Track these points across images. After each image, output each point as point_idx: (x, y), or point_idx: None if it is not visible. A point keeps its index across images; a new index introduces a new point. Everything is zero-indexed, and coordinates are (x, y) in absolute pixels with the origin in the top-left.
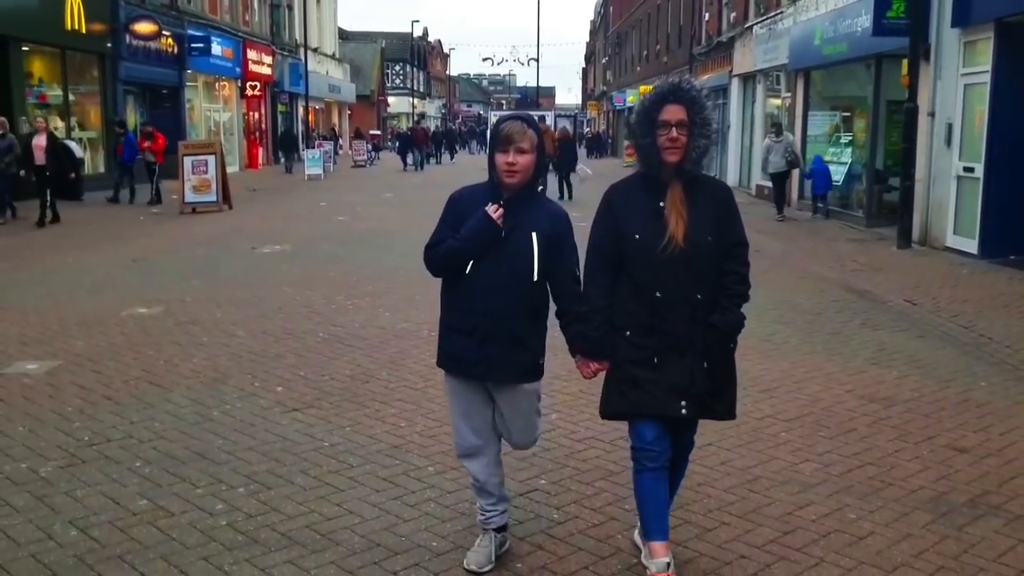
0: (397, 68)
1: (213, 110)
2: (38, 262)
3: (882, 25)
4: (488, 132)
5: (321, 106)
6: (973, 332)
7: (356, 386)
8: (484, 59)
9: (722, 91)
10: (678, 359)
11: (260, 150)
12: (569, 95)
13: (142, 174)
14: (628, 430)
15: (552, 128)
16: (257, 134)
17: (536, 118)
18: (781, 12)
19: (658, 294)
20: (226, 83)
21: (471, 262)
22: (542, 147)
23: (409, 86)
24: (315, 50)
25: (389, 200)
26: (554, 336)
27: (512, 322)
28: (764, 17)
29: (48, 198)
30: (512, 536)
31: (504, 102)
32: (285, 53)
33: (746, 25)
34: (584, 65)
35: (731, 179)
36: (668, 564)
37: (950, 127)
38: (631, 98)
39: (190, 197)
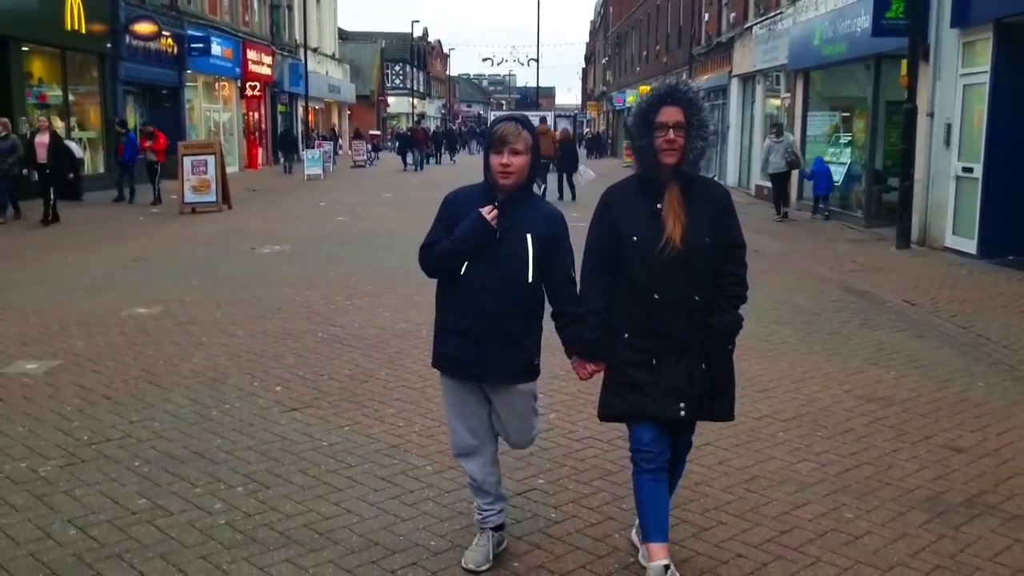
0: (397, 68)
1: (213, 110)
2: (38, 262)
3: (881, 25)
4: None
5: (321, 106)
6: (971, 332)
7: (355, 386)
8: (484, 59)
9: (721, 91)
10: (676, 361)
11: (260, 150)
12: (569, 95)
13: (141, 174)
14: (627, 431)
15: (553, 129)
16: (257, 134)
17: (537, 119)
18: (781, 12)
19: (656, 296)
20: (226, 83)
21: (466, 263)
22: (537, 148)
23: (409, 86)
24: (315, 50)
25: (389, 200)
26: (552, 336)
27: (507, 323)
28: (764, 17)
29: (52, 196)
30: (510, 535)
31: (504, 102)
32: (285, 53)
33: (746, 25)
34: (584, 65)
35: (731, 179)
36: (666, 567)
37: (949, 127)
38: (631, 98)
39: (190, 197)
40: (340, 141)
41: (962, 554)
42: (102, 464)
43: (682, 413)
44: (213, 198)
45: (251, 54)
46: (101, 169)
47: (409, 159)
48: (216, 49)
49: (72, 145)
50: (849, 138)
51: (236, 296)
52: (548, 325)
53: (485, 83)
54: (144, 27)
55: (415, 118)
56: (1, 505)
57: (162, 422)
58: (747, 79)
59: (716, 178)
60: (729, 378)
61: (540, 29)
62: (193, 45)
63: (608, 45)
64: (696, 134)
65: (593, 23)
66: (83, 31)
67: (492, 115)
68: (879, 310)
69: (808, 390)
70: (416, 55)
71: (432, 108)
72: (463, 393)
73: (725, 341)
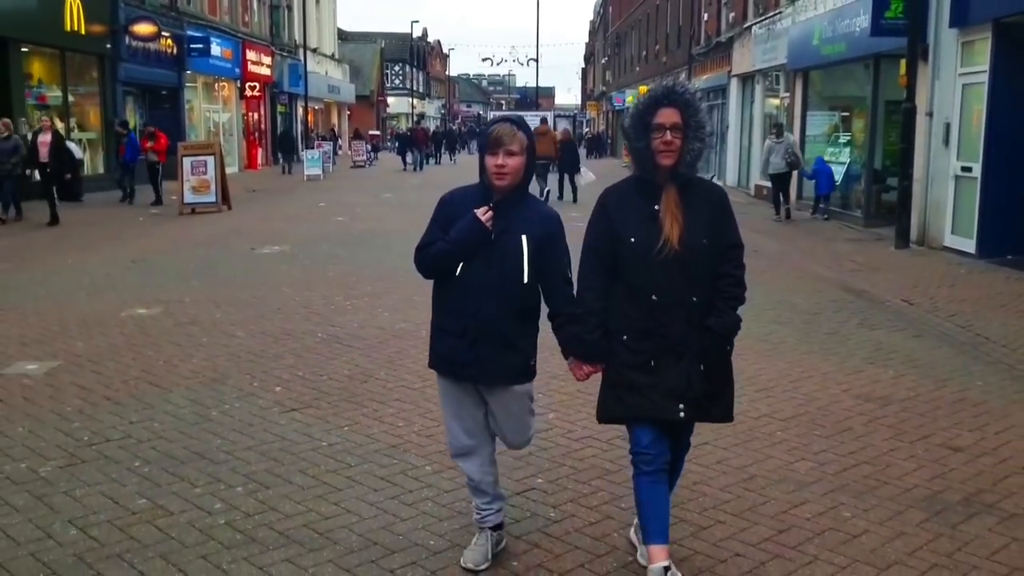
0: (396, 68)
1: (212, 111)
2: (38, 263)
3: (880, 25)
4: None
5: (320, 107)
6: (970, 332)
7: (354, 386)
8: (483, 59)
9: (721, 91)
10: (675, 362)
11: (259, 151)
12: (568, 95)
13: (141, 175)
14: (626, 432)
15: (553, 129)
16: (256, 135)
17: (538, 119)
18: (780, 12)
19: (654, 297)
20: (225, 84)
21: (461, 264)
22: (532, 149)
23: (408, 86)
24: (314, 51)
25: (388, 200)
26: (551, 336)
27: (502, 324)
28: (763, 17)
29: (55, 196)
30: (509, 534)
31: (503, 102)
32: (284, 54)
33: (745, 25)
34: (583, 65)
35: (730, 179)
36: (666, 568)
37: (948, 127)
38: (630, 98)
39: (189, 198)
40: (340, 141)
41: (959, 552)
42: (102, 464)
43: (681, 415)
44: (213, 199)
45: (250, 54)
46: (101, 170)
47: (409, 159)
48: (215, 49)
49: (72, 146)
50: (848, 138)
51: (236, 296)
52: (546, 326)
53: (485, 83)
54: (144, 28)
55: (415, 118)
56: (2, 505)
57: (162, 422)
58: (746, 79)
59: (716, 178)
60: (728, 379)
61: (540, 29)
62: (192, 46)
63: (608, 45)
64: (693, 135)
65: (592, 23)
66: (83, 32)
67: (492, 115)
68: (878, 310)
69: (806, 389)
70: (416, 55)
71: (432, 108)
72: (459, 394)
73: (723, 342)
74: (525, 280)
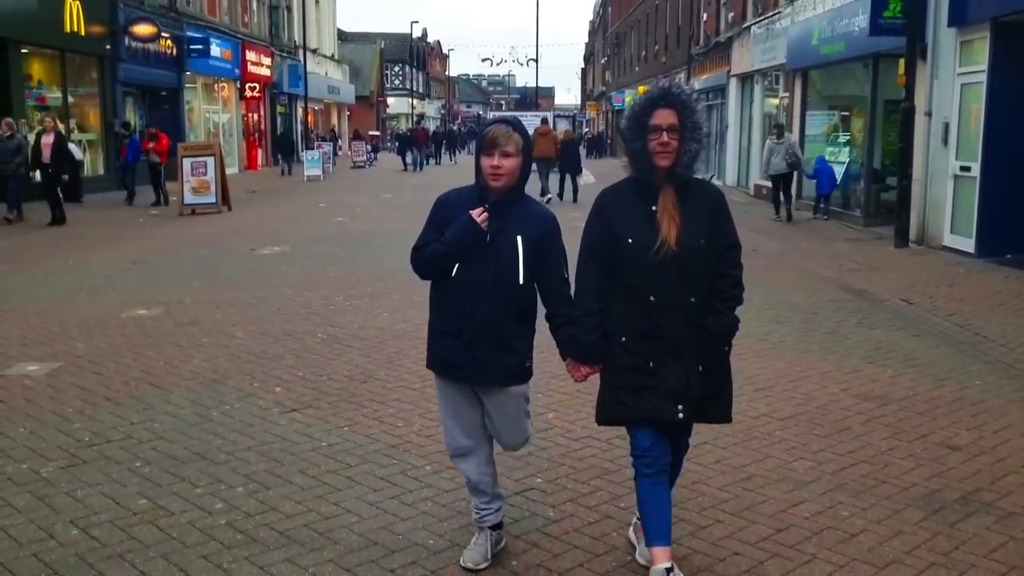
0: (396, 69)
1: (212, 112)
2: (39, 264)
3: (879, 25)
4: None
5: (320, 107)
6: (969, 331)
7: (354, 386)
8: (483, 60)
9: (720, 91)
10: (673, 363)
11: (259, 151)
12: (568, 95)
13: (141, 176)
14: (626, 432)
15: (554, 129)
16: (256, 135)
17: (538, 119)
18: (779, 12)
19: (652, 298)
20: (225, 84)
21: (457, 265)
22: (528, 150)
23: (408, 87)
24: (314, 51)
25: (388, 201)
26: (550, 336)
27: (498, 325)
28: (762, 17)
29: (60, 197)
30: (508, 534)
31: (503, 103)
32: (284, 54)
33: (744, 25)
34: (583, 66)
35: (729, 179)
36: (668, 569)
37: (947, 126)
38: (629, 98)
39: (189, 199)
40: (340, 142)
41: (957, 551)
42: (103, 465)
43: (680, 415)
44: (213, 199)
45: (250, 55)
46: (101, 171)
47: (409, 159)
48: (215, 50)
49: (72, 147)
50: (847, 137)
51: (236, 297)
52: (544, 326)
53: (484, 83)
54: (143, 28)
55: (415, 119)
56: (3, 506)
57: (163, 423)
58: (745, 79)
59: (715, 178)
60: (726, 380)
61: (539, 29)
62: (192, 46)
63: (607, 45)
64: (690, 136)
65: (592, 23)
66: (82, 33)
67: (491, 115)
68: (877, 309)
69: (805, 389)
70: (415, 56)
71: (432, 109)
72: (456, 395)
73: (721, 343)
74: (521, 281)
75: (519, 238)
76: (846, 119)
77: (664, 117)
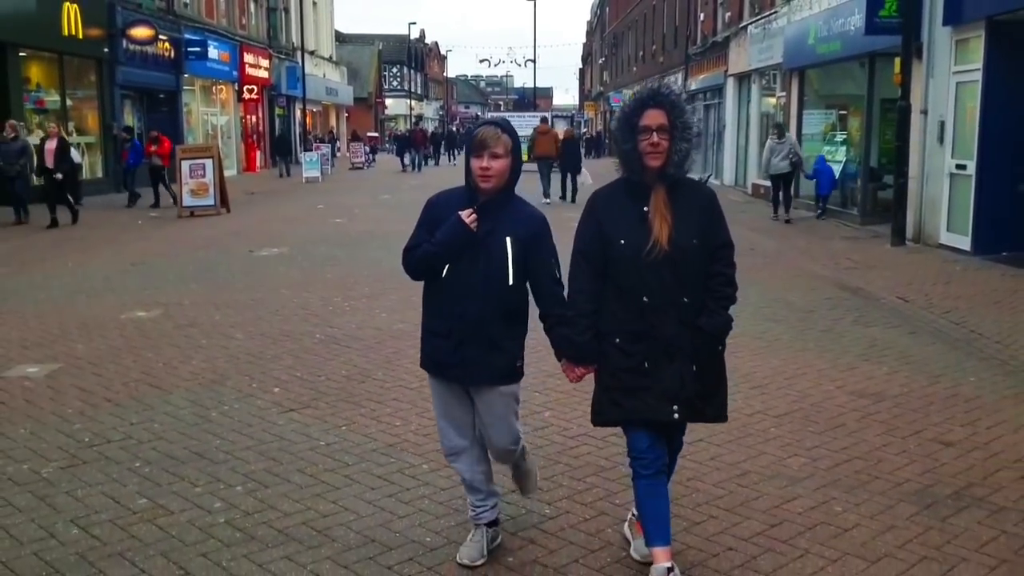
0: (394, 70)
1: (210, 114)
2: (38, 266)
3: (874, 24)
4: None
5: (319, 109)
6: (964, 328)
7: (352, 386)
8: (481, 60)
9: (717, 91)
10: (668, 363)
11: (258, 153)
12: (566, 96)
13: (141, 179)
14: (622, 432)
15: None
16: (255, 137)
17: (538, 119)
18: (775, 12)
19: (645, 299)
20: (223, 87)
21: (447, 266)
22: (518, 151)
23: (407, 88)
24: (312, 53)
25: (386, 202)
26: (545, 336)
27: (488, 325)
28: (759, 17)
29: (70, 199)
30: (504, 531)
31: (501, 103)
32: (282, 56)
33: (741, 25)
34: (581, 66)
35: (727, 178)
36: (668, 570)
37: (943, 125)
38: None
39: (188, 201)
40: (338, 143)
41: (948, 545)
42: (103, 465)
43: (675, 415)
44: (211, 201)
45: (248, 57)
46: (100, 174)
47: (407, 160)
48: (213, 52)
49: (72, 151)
50: (844, 136)
51: (234, 299)
52: (537, 326)
53: (483, 84)
54: (141, 31)
55: (413, 120)
56: (4, 506)
57: (162, 423)
58: (743, 78)
59: (713, 177)
60: (720, 379)
61: (537, 30)
62: (190, 49)
63: (605, 45)
64: (680, 136)
65: (590, 24)
66: (80, 36)
67: (490, 116)
68: (873, 307)
69: (800, 386)
70: (413, 57)
71: (430, 110)
72: (448, 394)
73: (715, 342)
74: (510, 282)
75: (508, 239)
76: (843, 118)
77: (654, 118)
